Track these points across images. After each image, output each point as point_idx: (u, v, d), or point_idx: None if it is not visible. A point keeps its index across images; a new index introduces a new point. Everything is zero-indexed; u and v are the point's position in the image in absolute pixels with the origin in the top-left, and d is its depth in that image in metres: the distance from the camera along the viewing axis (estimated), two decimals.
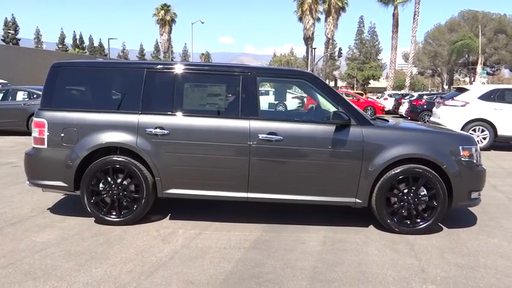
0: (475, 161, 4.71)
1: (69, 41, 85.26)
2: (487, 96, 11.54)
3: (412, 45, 39.43)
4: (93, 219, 4.79)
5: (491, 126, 11.38)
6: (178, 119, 4.65)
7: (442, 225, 4.89)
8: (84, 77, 4.91)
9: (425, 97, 21.80)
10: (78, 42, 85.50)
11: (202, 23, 49.31)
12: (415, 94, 25.64)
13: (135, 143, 4.57)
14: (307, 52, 51.05)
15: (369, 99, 29.71)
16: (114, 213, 4.71)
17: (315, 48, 50.32)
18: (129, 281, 3.42)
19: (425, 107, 19.90)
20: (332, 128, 4.58)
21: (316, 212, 5.24)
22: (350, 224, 4.90)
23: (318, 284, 3.47)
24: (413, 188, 4.60)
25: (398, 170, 4.55)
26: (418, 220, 4.65)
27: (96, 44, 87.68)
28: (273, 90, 19.12)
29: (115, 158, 4.63)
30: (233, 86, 4.74)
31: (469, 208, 5.41)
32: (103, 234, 4.44)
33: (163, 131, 4.57)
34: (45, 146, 4.68)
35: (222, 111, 4.95)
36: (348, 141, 4.56)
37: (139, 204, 4.67)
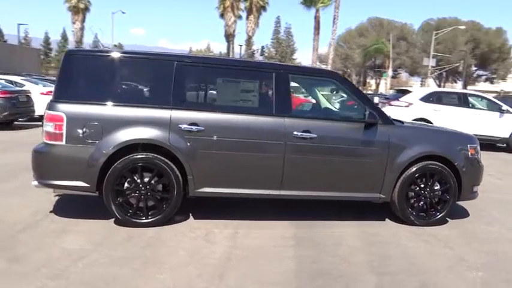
0: (477, 158, 5.20)
1: None
2: (427, 98, 12.63)
3: (331, 47, 41.37)
4: (110, 221, 4.43)
5: None
6: (214, 115, 4.46)
7: (447, 218, 5.31)
8: (107, 67, 4.46)
9: None
10: None
11: (123, 13, 47.10)
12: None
13: (167, 140, 4.31)
14: (228, 49, 51.10)
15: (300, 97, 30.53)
16: (141, 214, 4.40)
17: (241, 45, 50.67)
18: (206, 286, 3.25)
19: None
20: (362, 126, 4.75)
21: (328, 207, 5.34)
22: (366, 218, 5.10)
23: (386, 277, 3.60)
24: (429, 183, 4.95)
25: (419, 167, 4.86)
26: (433, 212, 5.02)
27: None
28: None
29: (144, 155, 4.31)
30: (267, 83, 4.68)
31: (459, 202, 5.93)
32: (137, 237, 4.13)
33: (198, 127, 4.36)
34: (63, 143, 4.21)
35: (256, 108, 4.82)
36: (376, 139, 4.77)
37: (169, 204, 4.41)
